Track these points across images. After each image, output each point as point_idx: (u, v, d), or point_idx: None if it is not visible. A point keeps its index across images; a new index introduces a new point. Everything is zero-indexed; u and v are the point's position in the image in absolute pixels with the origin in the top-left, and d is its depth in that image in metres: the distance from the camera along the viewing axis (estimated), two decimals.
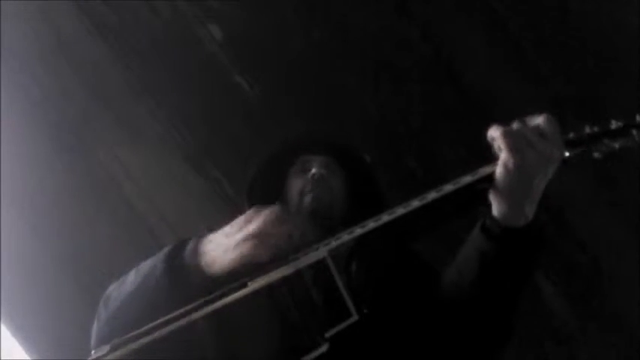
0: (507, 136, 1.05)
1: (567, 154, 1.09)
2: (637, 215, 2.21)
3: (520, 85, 2.24)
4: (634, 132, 1.05)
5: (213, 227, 1.21)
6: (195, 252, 1.15)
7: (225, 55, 2.31)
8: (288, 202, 1.58)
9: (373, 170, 1.75)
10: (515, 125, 1.07)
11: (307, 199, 1.52)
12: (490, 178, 1.10)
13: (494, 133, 1.07)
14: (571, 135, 1.09)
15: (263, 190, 1.67)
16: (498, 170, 1.07)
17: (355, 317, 1.05)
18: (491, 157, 1.10)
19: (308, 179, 1.55)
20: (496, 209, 1.12)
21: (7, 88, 2.31)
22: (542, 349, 2.28)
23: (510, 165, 1.05)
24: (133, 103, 2.35)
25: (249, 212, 1.14)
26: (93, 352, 1.08)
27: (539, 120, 1.07)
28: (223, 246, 1.12)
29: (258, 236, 1.08)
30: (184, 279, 1.13)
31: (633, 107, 2.05)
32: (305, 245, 1.12)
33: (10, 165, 2.32)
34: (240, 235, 1.10)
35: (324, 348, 1.03)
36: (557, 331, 2.29)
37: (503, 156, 1.06)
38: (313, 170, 1.56)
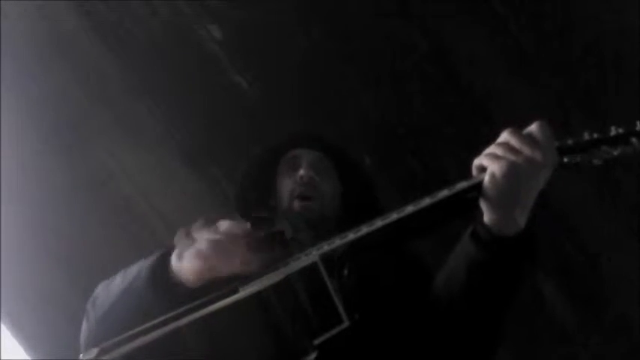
0: (493, 146, 1.07)
1: (565, 160, 1.08)
2: (638, 216, 2.20)
3: (520, 85, 2.23)
4: (634, 140, 1.04)
5: None
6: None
7: (224, 55, 2.30)
8: (278, 200, 1.58)
9: (360, 163, 1.76)
10: (503, 134, 1.08)
11: (296, 205, 1.52)
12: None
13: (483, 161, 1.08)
14: (569, 141, 1.08)
15: (252, 189, 1.68)
16: (486, 179, 1.06)
17: (346, 323, 1.04)
18: None
19: (297, 181, 1.55)
20: (487, 217, 1.11)
21: (6, 88, 2.30)
22: (542, 349, 2.28)
23: (497, 173, 1.05)
24: (131, 103, 2.34)
25: (202, 221, 1.11)
26: (81, 355, 1.08)
27: (532, 127, 1.07)
28: (183, 257, 1.09)
29: (203, 255, 1.06)
30: (167, 285, 1.12)
31: (635, 108, 2.06)
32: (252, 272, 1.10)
33: (8, 164, 2.32)
34: (188, 253, 1.08)
35: (313, 355, 1.02)
36: (558, 332, 2.28)
37: (488, 165, 1.06)
38: (301, 172, 1.56)
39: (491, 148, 1.07)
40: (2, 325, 2.36)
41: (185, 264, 1.07)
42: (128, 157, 2.36)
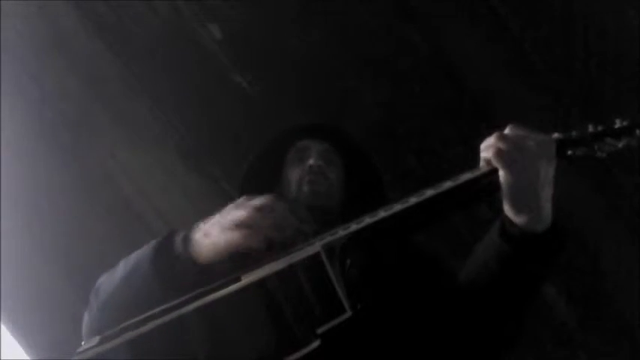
0: (500, 155, 1.08)
1: (569, 152, 1.09)
2: (637, 216, 2.21)
3: (520, 85, 2.23)
4: (638, 131, 1.04)
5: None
6: (185, 241, 1.15)
7: (224, 55, 2.30)
8: (284, 191, 1.58)
9: (369, 154, 1.76)
10: (500, 141, 1.09)
11: (305, 189, 1.52)
12: (489, 174, 1.10)
13: (487, 155, 1.10)
14: (574, 133, 1.09)
15: (258, 178, 1.67)
16: (504, 187, 1.09)
17: (349, 313, 1.04)
18: None
19: (306, 170, 1.55)
20: (515, 219, 1.12)
21: (6, 88, 2.30)
22: (542, 350, 2.27)
23: (513, 179, 1.07)
24: (131, 102, 2.34)
25: (241, 199, 1.13)
26: (83, 342, 1.08)
27: (512, 130, 1.10)
28: (212, 233, 1.11)
29: (247, 223, 1.07)
30: (172, 269, 1.12)
31: (634, 107, 2.07)
32: (298, 238, 1.11)
33: (8, 164, 2.31)
34: (228, 222, 1.09)
35: (315, 344, 1.02)
36: (558, 332, 2.28)
37: (504, 173, 1.08)
38: (311, 162, 1.55)
39: (500, 155, 1.08)
40: (2, 325, 2.36)
41: (217, 240, 1.09)
42: (128, 156, 2.36)
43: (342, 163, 1.64)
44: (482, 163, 1.12)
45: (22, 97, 2.31)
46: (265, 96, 2.31)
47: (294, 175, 1.57)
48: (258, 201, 1.09)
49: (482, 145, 1.11)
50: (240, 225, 1.07)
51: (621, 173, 2.18)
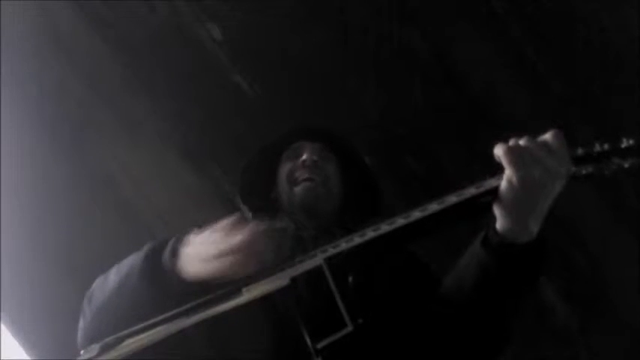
0: (511, 152, 1.04)
1: (574, 169, 1.08)
2: (638, 217, 2.21)
3: (520, 86, 2.23)
4: None
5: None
6: (174, 254, 1.15)
7: (224, 55, 2.29)
8: (279, 189, 1.58)
9: (362, 157, 1.76)
10: (521, 141, 1.06)
11: (298, 188, 1.52)
12: (494, 191, 1.08)
13: (499, 151, 1.05)
14: (580, 151, 1.08)
15: (255, 184, 1.68)
16: (503, 185, 1.05)
17: (350, 328, 1.04)
18: (492, 159, 1.09)
19: (298, 164, 1.55)
20: (500, 223, 1.10)
21: (6, 86, 2.29)
22: (542, 350, 2.28)
23: (515, 181, 1.03)
24: (131, 102, 2.33)
25: (233, 220, 1.12)
26: (82, 352, 1.08)
27: (546, 136, 1.06)
28: (203, 254, 1.10)
29: (241, 251, 1.06)
30: (161, 280, 1.13)
31: (634, 108, 2.07)
32: (278, 262, 1.10)
33: (8, 163, 2.31)
34: (222, 248, 1.08)
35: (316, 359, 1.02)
36: (558, 333, 2.29)
37: (508, 172, 1.04)
38: (305, 156, 1.55)
39: (511, 152, 1.04)
40: (2, 325, 2.36)
41: (209, 264, 1.08)
42: (127, 156, 2.36)
43: (338, 162, 1.64)
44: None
45: (22, 96, 2.31)
46: (265, 96, 2.31)
47: (285, 171, 1.57)
48: (253, 227, 1.09)
49: (502, 151, 1.05)
50: (234, 252, 1.07)
51: (622, 176, 2.18)
